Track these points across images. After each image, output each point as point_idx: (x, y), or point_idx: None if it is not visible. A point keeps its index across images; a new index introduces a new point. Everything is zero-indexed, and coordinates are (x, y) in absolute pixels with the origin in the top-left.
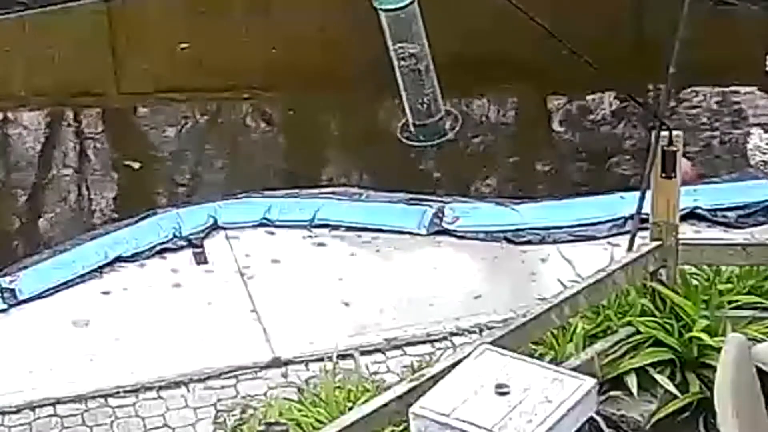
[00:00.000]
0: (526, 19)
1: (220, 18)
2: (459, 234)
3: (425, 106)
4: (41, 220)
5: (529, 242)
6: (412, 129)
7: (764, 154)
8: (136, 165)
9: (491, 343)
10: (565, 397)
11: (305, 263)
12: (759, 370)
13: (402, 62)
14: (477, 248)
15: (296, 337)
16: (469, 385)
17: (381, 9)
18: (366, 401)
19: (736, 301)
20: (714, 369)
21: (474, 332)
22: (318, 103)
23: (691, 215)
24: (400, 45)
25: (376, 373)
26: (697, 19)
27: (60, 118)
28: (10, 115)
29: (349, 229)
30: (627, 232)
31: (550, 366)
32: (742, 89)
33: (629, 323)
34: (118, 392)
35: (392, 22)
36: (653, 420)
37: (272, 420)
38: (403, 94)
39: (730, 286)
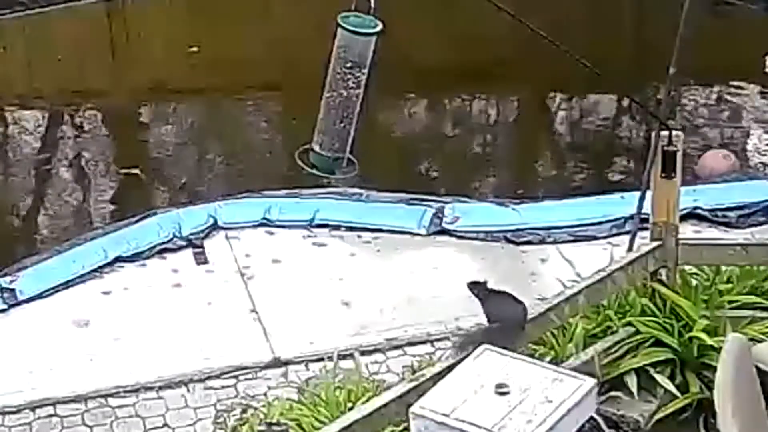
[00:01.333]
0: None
1: (220, 18)
2: (459, 234)
3: (338, 139)
4: (41, 220)
5: (529, 242)
6: (311, 156)
7: (764, 154)
8: (135, 171)
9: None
10: (565, 397)
11: (305, 263)
12: (759, 370)
13: (340, 86)
14: (477, 248)
15: (296, 337)
16: (469, 385)
17: (345, 28)
18: (366, 401)
19: (736, 301)
20: (714, 369)
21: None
22: (318, 102)
23: (691, 215)
24: (348, 68)
25: (376, 373)
26: (697, 19)
27: (60, 118)
28: (10, 115)
29: (349, 229)
30: (627, 232)
31: (550, 366)
32: (742, 89)
33: (629, 323)
34: (118, 392)
35: (348, 44)
36: (653, 420)
37: (272, 420)
38: (321, 119)
39: (730, 286)
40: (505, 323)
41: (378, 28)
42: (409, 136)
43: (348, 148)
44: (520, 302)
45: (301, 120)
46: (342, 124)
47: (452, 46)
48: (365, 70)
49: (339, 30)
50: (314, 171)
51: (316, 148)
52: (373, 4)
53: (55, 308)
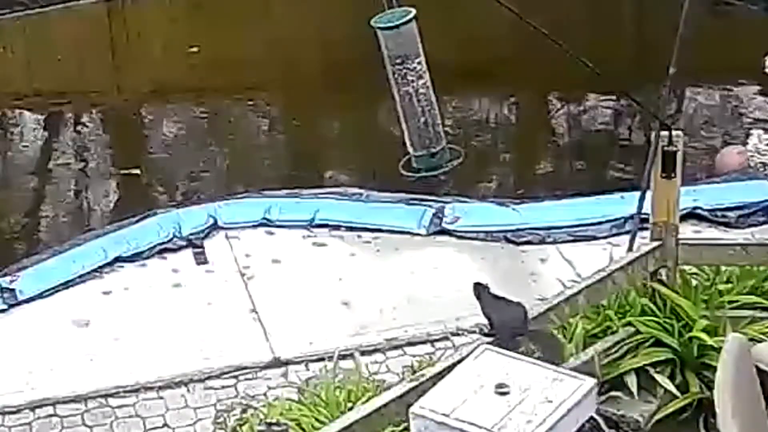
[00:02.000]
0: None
1: (220, 18)
2: (459, 234)
3: (428, 134)
4: (41, 220)
5: (529, 242)
6: (413, 161)
7: (764, 154)
8: (135, 171)
9: (491, 343)
10: (565, 397)
11: (305, 263)
12: (759, 370)
13: (402, 83)
14: (477, 248)
15: (296, 337)
16: (469, 385)
17: (378, 28)
18: (366, 401)
19: (736, 301)
20: (714, 369)
21: (474, 332)
22: (318, 102)
23: (691, 215)
24: (399, 64)
25: (376, 373)
26: (697, 19)
27: (60, 118)
28: (10, 114)
29: (349, 229)
30: (627, 232)
31: (550, 366)
32: (742, 89)
33: (629, 323)
34: (118, 392)
35: (390, 40)
36: (653, 420)
37: (272, 420)
38: (403, 122)
39: (730, 286)
40: (505, 329)
41: (413, 14)
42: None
43: (443, 138)
44: (520, 306)
45: (303, 121)
46: (425, 119)
47: (452, 46)
48: (420, 58)
49: (379, 33)
50: (423, 174)
51: (413, 151)
52: (384, 3)
53: (55, 308)
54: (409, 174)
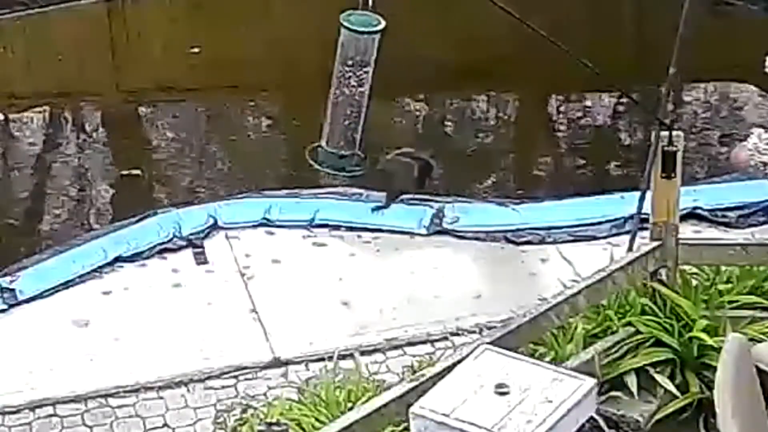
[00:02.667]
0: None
1: (220, 17)
2: (459, 234)
3: (345, 137)
4: (41, 220)
5: (529, 242)
6: (320, 154)
7: (764, 154)
8: (136, 172)
9: (491, 343)
10: (565, 397)
11: (305, 263)
12: (759, 370)
13: (343, 84)
14: (477, 248)
15: (296, 337)
16: (469, 385)
17: (346, 27)
18: (366, 401)
19: (736, 301)
20: (714, 369)
21: (474, 332)
22: (318, 102)
23: (691, 215)
24: (349, 66)
25: (376, 373)
26: (697, 19)
27: (60, 118)
28: (10, 115)
29: (349, 229)
30: (627, 232)
31: (550, 366)
32: (742, 89)
33: (629, 323)
34: (118, 392)
35: (349, 42)
36: (653, 420)
37: (272, 420)
38: (328, 116)
39: (730, 286)
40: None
41: (380, 26)
42: (409, 136)
43: (357, 146)
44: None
45: (303, 121)
46: (348, 122)
47: (452, 46)
48: (369, 69)
49: (342, 29)
50: (324, 168)
51: (324, 145)
52: (371, 2)
53: (55, 308)
54: (312, 162)
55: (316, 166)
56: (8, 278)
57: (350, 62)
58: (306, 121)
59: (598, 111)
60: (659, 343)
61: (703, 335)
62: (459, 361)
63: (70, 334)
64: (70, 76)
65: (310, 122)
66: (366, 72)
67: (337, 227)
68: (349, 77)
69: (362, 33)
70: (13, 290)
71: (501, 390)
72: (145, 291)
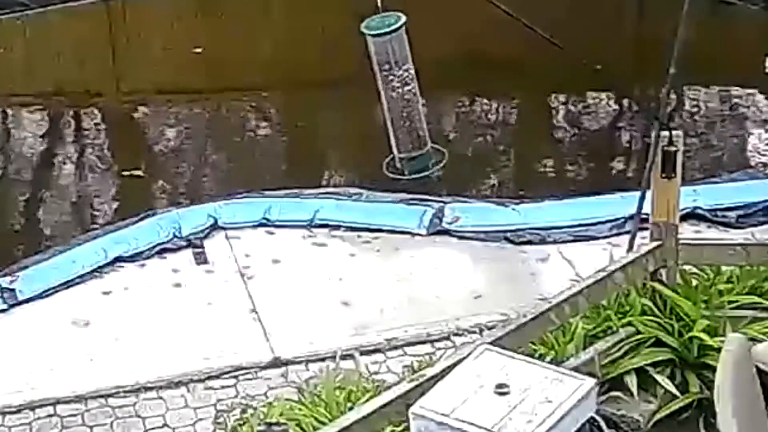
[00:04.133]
0: (528, 22)
1: (220, 18)
2: (459, 234)
3: (411, 138)
4: (41, 220)
5: (529, 242)
6: (397, 162)
7: (764, 154)
8: (138, 172)
9: (491, 343)
10: (565, 397)
11: (305, 263)
12: (759, 370)
13: (389, 88)
14: (477, 248)
15: (296, 337)
16: (469, 385)
17: (369, 34)
18: (366, 401)
19: (736, 301)
20: (714, 369)
21: (474, 332)
22: (318, 102)
23: (691, 215)
24: (387, 70)
25: (376, 373)
26: (697, 19)
27: (60, 118)
28: (10, 115)
29: (349, 229)
30: (627, 232)
31: (550, 366)
32: (742, 89)
33: (629, 323)
34: (118, 392)
35: (379, 47)
36: (653, 420)
37: (272, 420)
38: (389, 124)
39: (730, 286)
40: None
41: (403, 21)
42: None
43: (427, 141)
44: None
45: (304, 121)
46: (409, 122)
47: (452, 46)
48: (408, 65)
49: (368, 38)
50: (407, 176)
51: (398, 153)
52: (379, 4)
53: (55, 308)
54: (394, 175)
55: (399, 177)
56: (8, 278)
57: (387, 66)
58: (307, 121)
59: (598, 111)
60: (659, 343)
61: (703, 335)
62: (459, 361)
63: (70, 334)
64: (70, 76)
65: (311, 122)
66: (407, 69)
67: (337, 227)
68: (392, 80)
69: (388, 33)
70: (13, 290)
71: (501, 390)
72: (145, 291)
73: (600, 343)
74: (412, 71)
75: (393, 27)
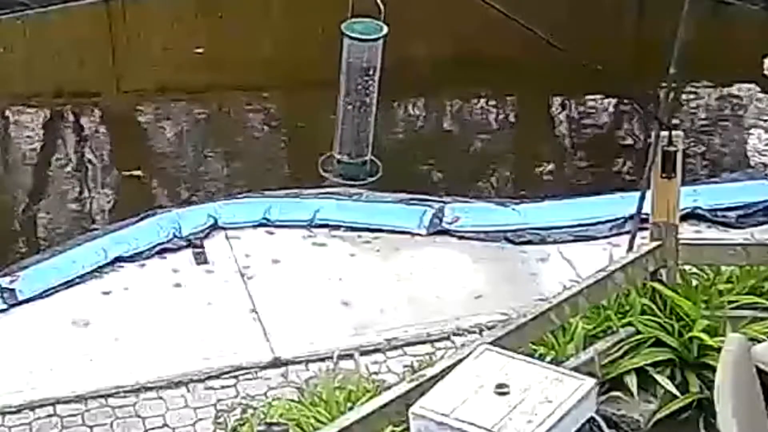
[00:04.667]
0: (528, 22)
1: (220, 18)
2: (459, 234)
3: (355, 144)
4: (41, 220)
5: (529, 242)
6: (335, 163)
7: (764, 154)
8: (138, 172)
9: (491, 343)
10: (565, 397)
11: (305, 263)
12: (759, 370)
13: (350, 93)
14: (477, 248)
15: (296, 337)
16: (469, 385)
17: (350, 36)
18: (366, 401)
19: (736, 301)
20: (714, 369)
21: (474, 332)
22: (318, 102)
23: (691, 215)
24: (355, 75)
25: (376, 373)
26: (697, 19)
27: (60, 118)
28: (10, 115)
29: (349, 229)
30: (627, 232)
31: (550, 366)
32: (742, 89)
33: (629, 323)
34: (118, 392)
35: (354, 51)
36: (653, 420)
37: (272, 420)
38: (338, 125)
39: (730, 286)
40: None
41: (383, 32)
42: (409, 136)
43: (369, 152)
44: None
45: (304, 122)
46: (361, 129)
47: (452, 46)
48: (376, 75)
49: (345, 39)
50: (339, 179)
51: (338, 156)
52: (381, 7)
53: (55, 308)
54: (326, 174)
55: (332, 178)
56: (8, 278)
57: (356, 70)
58: (307, 122)
59: (598, 111)
60: (659, 343)
61: (703, 335)
62: (459, 361)
63: (70, 334)
64: (70, 76)
65: (311, 123)
66: (373, 79)
67: (337, 227)
68: (369, 85)
69: (366, 41)
70: (13, 290)
71: (501, 390)
72: (145, 291)
73: (600, 343)
74: (377, 81)
75: (378, 35)
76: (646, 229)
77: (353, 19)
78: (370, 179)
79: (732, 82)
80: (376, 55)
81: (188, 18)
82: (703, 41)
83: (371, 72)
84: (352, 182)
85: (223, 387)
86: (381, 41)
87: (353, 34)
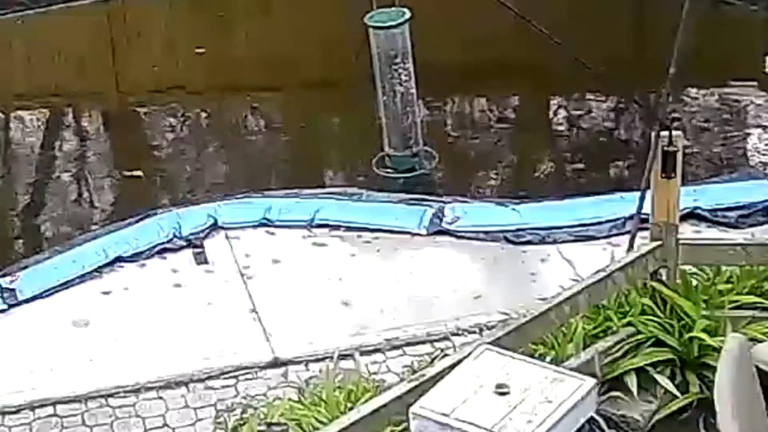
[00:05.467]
0: (528, 22)
1: (220, 18)
2: (459, 234)
3: (404, 137)
4: (41, 220)
5: (529, 242)
6: (386, 159)
7: (764, 154)
8: (138, 173)
9: (491, 343)
10: (565, 397)
11: (305, 263)
12: (759, 370)
13: (392, 85)
14: (477, 248)
15: (296, 337)
16: (469, 385)
17: (377, 27)
18: (366, 401)
19: (736, 301)
20: (714, 369)
21: (474, 332)
22: (318, 103)
23: (691, 215)
24: (390, 66)
25: (376, 373)
26: (697, 19)
27: (60, 118)
28: (10, 115)
29: (349, 229)
30: (627, 232)
31: (550, 366)
32: (742, 89)
33: (629, 323)
34: (118, 392)
35: (385, 41)
36: (653, 420)
37: (272, 420)
38: (385, 122)
39: (730, 286)
40: None
41: (407, 15)
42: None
43: (420, 140)
44: None
45: (304, 122)
46: (407, 119)
47: (452, 46)
48: (408, 63)
49: (372, 31)
50: (396, 174)
51: (391, 151)
52: (373, 1)
53: (55, 308)
54: (384, 173)
55: (389, 175)
56: (8, 278)
57: (395, 59)
58: (307, 122)
59: (598, 111)
60: (659, 343)
61: (703, 335)
62: (459, 361)
63: (70, 334)
64: (70, 76)
65: (311, 123)
66: (404, 67)
67: (337, 227)
68: (400, 73)
69: (394, 27)
70: (13, 290)
71: (501, 390)
72: (145, 291)
73: (600, 343)
74: (410, 71)
75: (399, 21)
76: (646, 229)
77: (374, 11)
78: (427, 168)
79: (732, 81)
80: (404, 42)
81: (188, 18)
82: (703, 41)
83: (401, 59)
84: (408, 175)
85: (223, 387)
86: (406, 27)
87: (381, 24)
